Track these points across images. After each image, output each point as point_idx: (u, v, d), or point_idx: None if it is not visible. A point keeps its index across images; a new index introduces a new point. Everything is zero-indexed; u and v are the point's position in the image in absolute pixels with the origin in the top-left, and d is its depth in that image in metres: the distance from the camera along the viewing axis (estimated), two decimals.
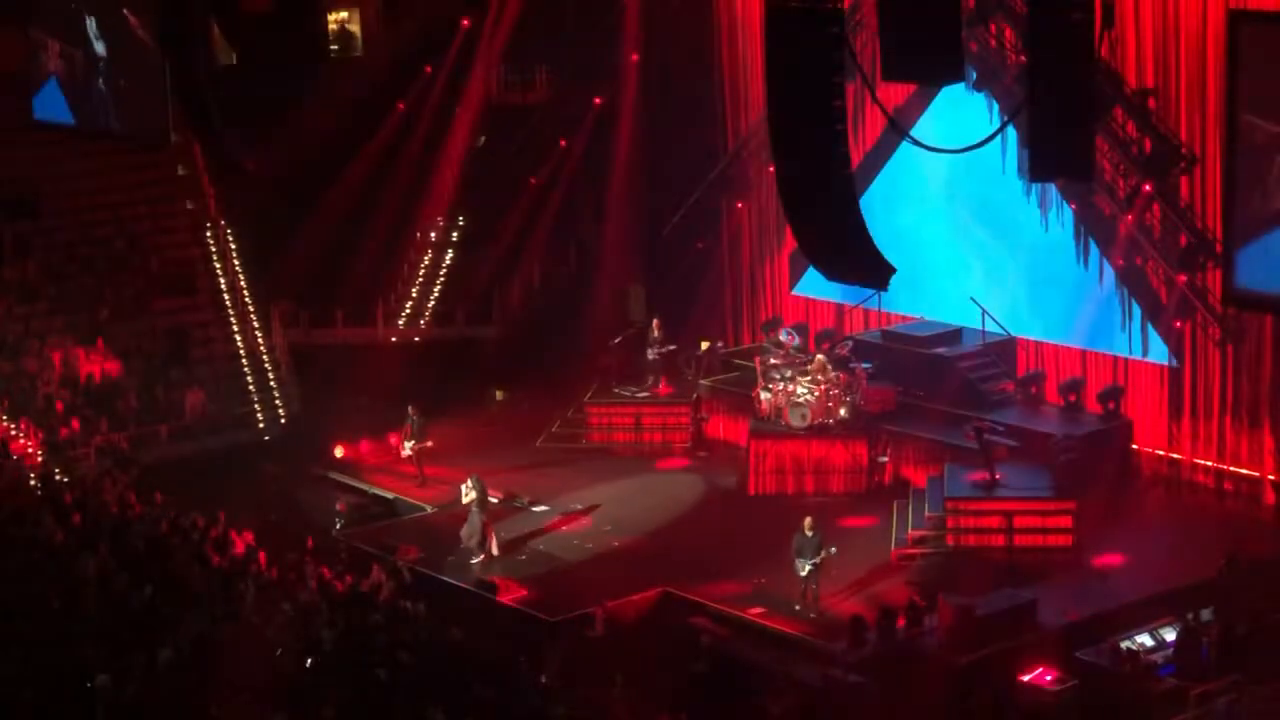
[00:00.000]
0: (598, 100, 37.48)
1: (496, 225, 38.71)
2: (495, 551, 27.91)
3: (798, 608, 25.20)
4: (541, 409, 34.77)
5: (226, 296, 36.99)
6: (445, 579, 27.13)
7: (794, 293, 35.67)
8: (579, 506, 29.92)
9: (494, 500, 29.36)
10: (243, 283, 37.22)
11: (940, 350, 31.76)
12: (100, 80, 32.39)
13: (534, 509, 29.83)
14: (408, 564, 27.15)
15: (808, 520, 25.55)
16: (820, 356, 30.92)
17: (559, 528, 29.23)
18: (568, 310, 37.66)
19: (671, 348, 33.40)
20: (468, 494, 28.18)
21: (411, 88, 38.54)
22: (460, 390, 35.83)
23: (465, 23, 38.23)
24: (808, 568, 25.17)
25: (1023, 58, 27.56)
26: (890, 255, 22.20)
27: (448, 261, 39.05)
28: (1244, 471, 29.17)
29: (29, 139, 35.55)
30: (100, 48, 32.44)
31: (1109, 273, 30.59)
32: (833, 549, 25.29)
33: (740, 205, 36.25)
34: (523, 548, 28.44)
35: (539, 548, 28.40)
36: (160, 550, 25.69)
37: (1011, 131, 29.69)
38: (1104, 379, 30.84)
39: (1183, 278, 29.23)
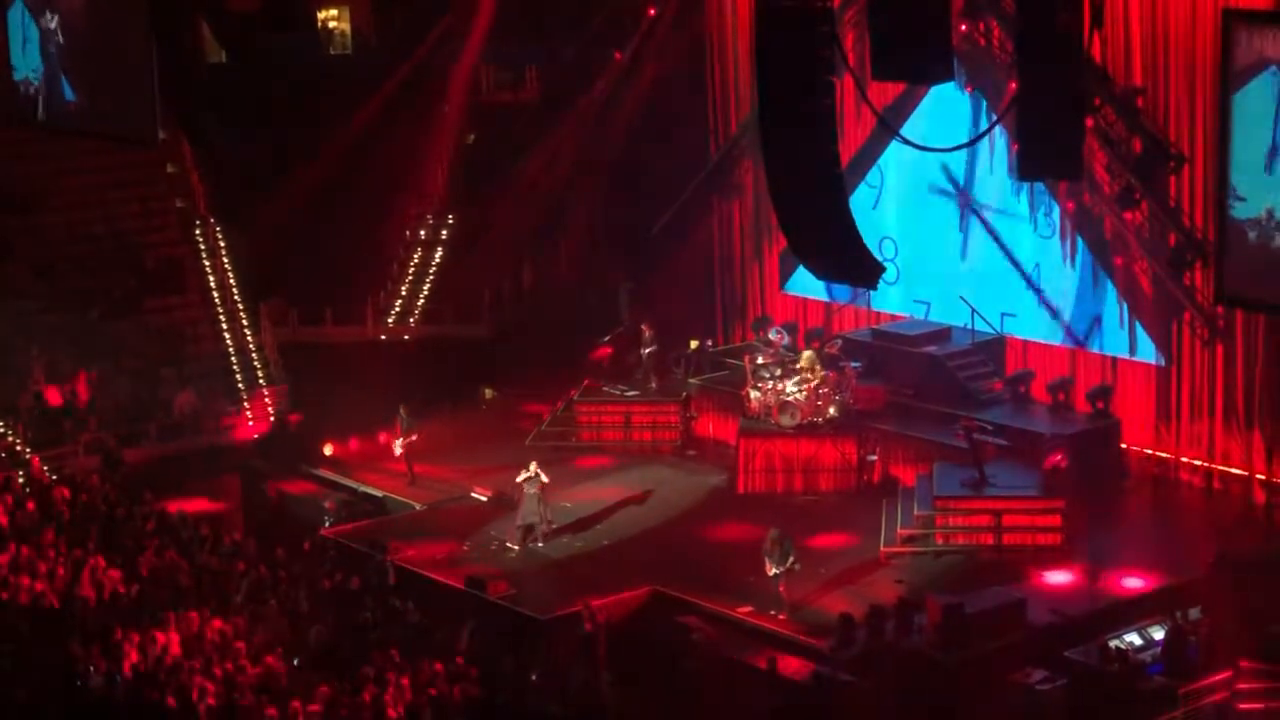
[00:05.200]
0: (586, 97, 37.50)
1: (486, 223, 38.68)
2: (541, 543, 28.15)
3: (773, 611, 25.27)
4: (532, 407, 34.85)
5: (216, 294, 36.95)
6: (435, 577, 27.09)
7: (784, 291, 35.68)
8: (568, 505, 29.90)
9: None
10: (232, 281, 37.19)
11: (929, 349, 31.77)
12: (61, 74, 32.12)
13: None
14: (397, 563, 27.20)
15: (773, 531, 25.63)
16: (808, 352, 30.92)
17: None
18: (557, 309, 37.65)
19: (653, 349, 33.31)
20: (531, 480, 28.12)
21: (400, 86, 38.52)
22: (450, 389, 35.82)
23: (450, 21, 38.21)
24: (774, 570, 25.32)
25: (1012, 56, 27.59)
26: (879, 254, 22.29)
27: (437, 260, 39.04)
28: (1233, 470, 29.23)
29: (18, 136, 35.50)
30: (58, 39, 32.10)
31: (1098, 271, 30.64)
32: (796, 565, 25.38)
33: (730, 204, 36.25)
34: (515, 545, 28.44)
35: (533, 545, 28.36)
36: (148, 547, 25.76)
37: (1001, 130, 29.73)
38: (1093, 378, 30.87)
39: (1173, 277, 29.27)
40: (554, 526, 28.40)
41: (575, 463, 32.14)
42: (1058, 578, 26.13)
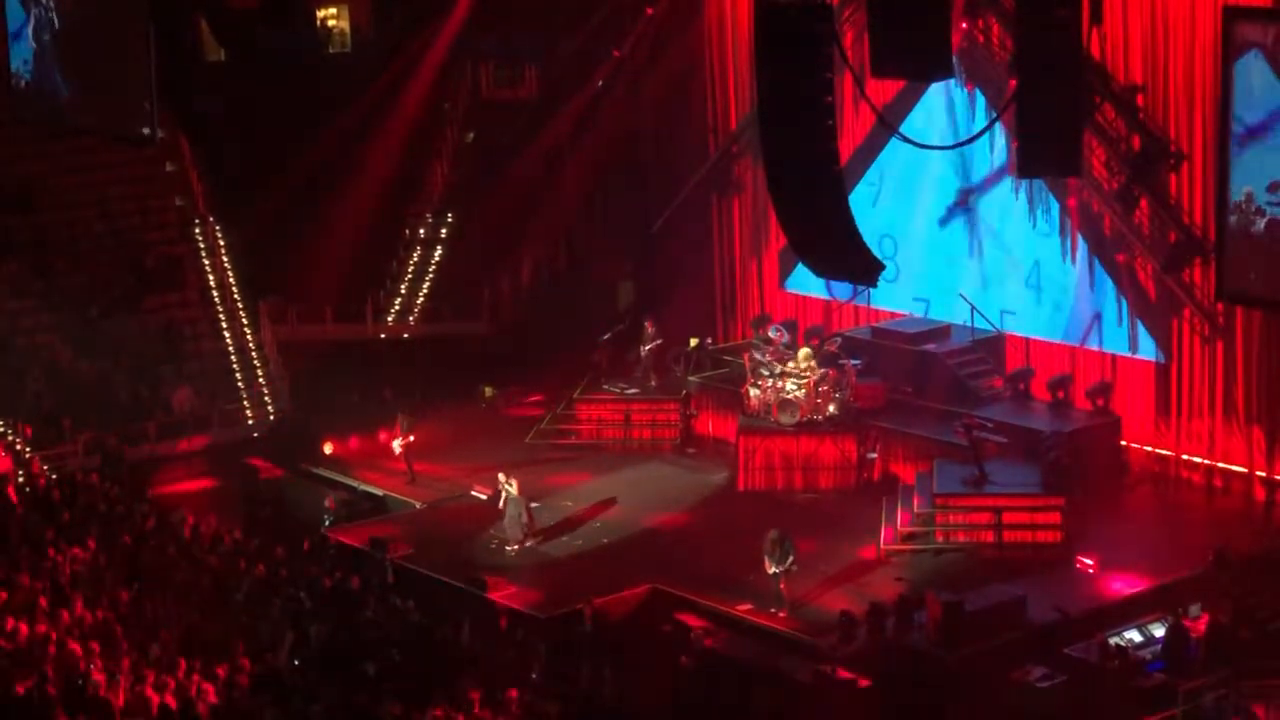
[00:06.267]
0: (587, 94, 37.46)
1: (485, 221, 38.65)
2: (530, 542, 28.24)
3: (773, 609, 25.27)
4: (531, 405, 34.84)
5: (215, 292, 36.94)
6: (435, 575, 27.08)
7: (783, 289, 35.66)
8: (569, 504, 29.90)
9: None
10: (231, 279, 37.17)
11: (929, 346, 31.77)
12: (55, 70, 31.98)
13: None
14: (397, 561, 27.19)
15: (773, 531, 25.61)
16: (807, 350, 30.89)
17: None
18: (557, 307, 37.62)
19: (657, 344, 33.30)
20: (508, 489, 28.17)
21: (399, 84, 38.48)
22: (449, 387, 35.80)
23: (449, 19, 38.17)
24: (774, 569, 25.35)
25: (1011, 54, 27.56)
26: (879, 251, 22.29)
27: (437, 258, 39.01)
28: (1233, 467, 29.22)
29: (18, 135, 35.48)
30: (53, 34, 31.92)
31: (1097, 269, 30.63)
32: (795, 566, 25.40)
33: (730, 201, 36.23)
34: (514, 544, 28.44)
35: (532, 544, 28.36)
36: (148, 546, 25.76)
37: (1000, 127, 29.70)
38: (1093, 375, 30.86)
39: (1171, 274, 29.25)
40: (538, 526, 28.33)
41: (573, 460, 32.15)
42: (1059, 575, 26.15)
